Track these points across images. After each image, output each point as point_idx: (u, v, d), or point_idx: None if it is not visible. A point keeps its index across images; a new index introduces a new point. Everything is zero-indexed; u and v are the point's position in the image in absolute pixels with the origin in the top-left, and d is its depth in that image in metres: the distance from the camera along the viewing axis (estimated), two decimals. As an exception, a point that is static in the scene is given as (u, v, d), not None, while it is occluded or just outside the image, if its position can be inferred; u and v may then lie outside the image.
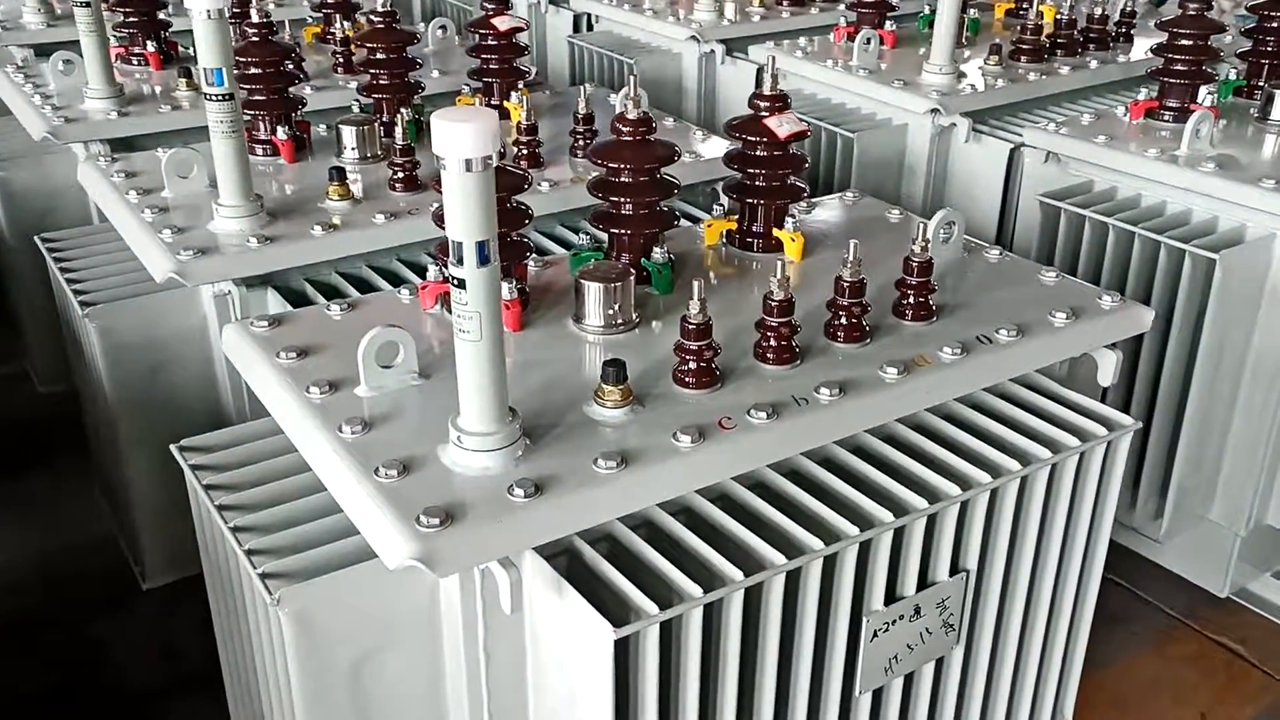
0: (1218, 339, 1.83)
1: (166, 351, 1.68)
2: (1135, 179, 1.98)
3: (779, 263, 1.28)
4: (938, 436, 1.33)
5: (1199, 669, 2.01)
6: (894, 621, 1.25)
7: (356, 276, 1.73)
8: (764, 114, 1.54)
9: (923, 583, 1.28)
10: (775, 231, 1.58)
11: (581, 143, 1.95)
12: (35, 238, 1.91)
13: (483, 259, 1.04)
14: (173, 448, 1.31)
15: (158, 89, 2.38)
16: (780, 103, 1.54)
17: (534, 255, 1.53)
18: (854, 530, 1.17)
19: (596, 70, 3.04)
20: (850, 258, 1.33)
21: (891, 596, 1.25)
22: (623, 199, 1.45)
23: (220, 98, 1.60)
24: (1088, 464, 1.35)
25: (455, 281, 1.05)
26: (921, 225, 1.38)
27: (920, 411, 1.34)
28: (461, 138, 0.98)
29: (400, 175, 1.80)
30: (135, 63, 2.52)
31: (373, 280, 1.72)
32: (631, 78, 1.46)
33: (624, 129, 1.44)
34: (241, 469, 1.28)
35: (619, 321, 1.38)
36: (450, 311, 1.34)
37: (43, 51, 2.61)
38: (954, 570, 1.30)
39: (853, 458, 1.28)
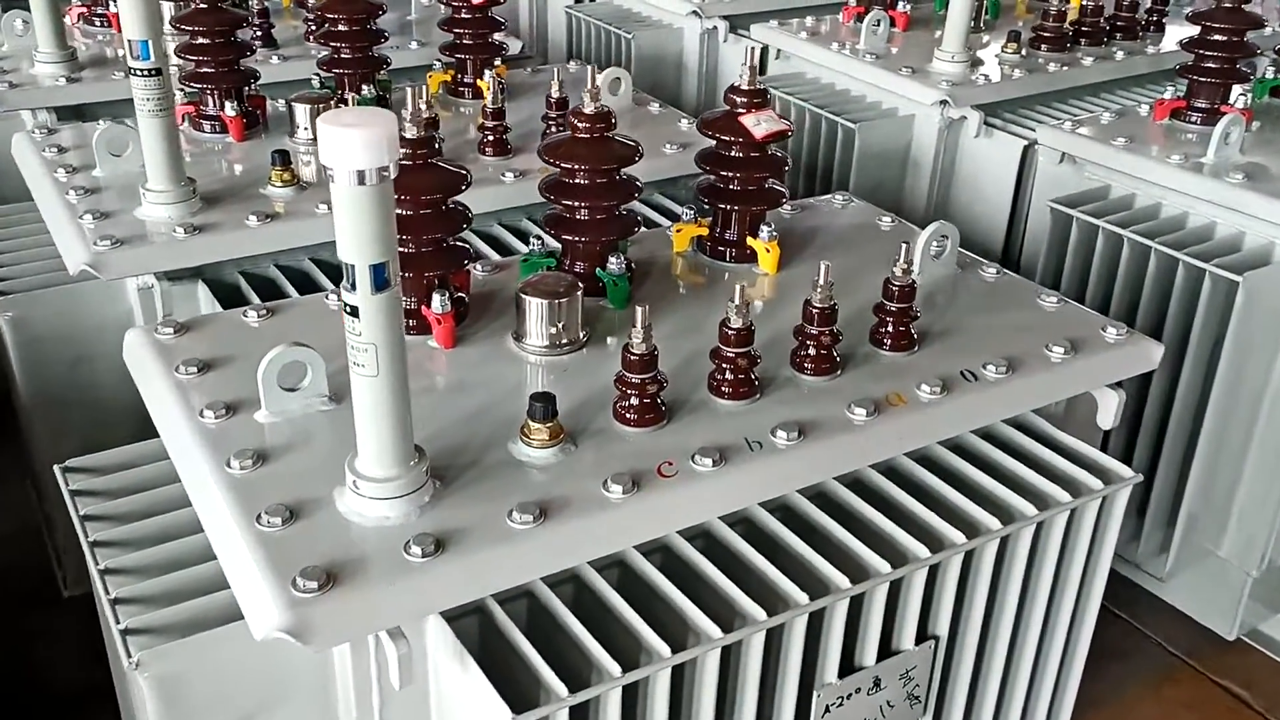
0: (1236, 366, 1.67)
1: (87, 346, 1.55)
2: (1155, 186, 1.81)
3: (737, 286, 1.13)
4: (910, 483, 1.19)
5: (1199, 714, 1.87)
6: (850, 695, 1.12)
7: (298, 270, 1.60)
8: (740, 111, 1.39)
9: (885, 651, 1.14)
10: (749, 240, 1.43)
11: (554, 129, 1.80)
12: (-40, 215, 1.78)
13: (379, 283, 0.91)
14: (56, 469, 1.18)
15: (119, 52, 2.24)
16: (759, 99, 1.39)
17: (478, 263, 1.40)
18: (804, 599, 1.03)
19: (594, 43, 2.88)
20: (821, 280, 1.18)
21: (848, 667, 1.12)
22: (576, 202, 1.31)
23: (146, 73, 1.46)
24: (1079, 521, 1.21)
25: (348, 309, 0.91)
26: (905, 246, 1.23)
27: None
28: (350, 145, 0.84)
29: (350, 160, 1.65)
30: (98, 23, 2.38)
31: (314, 276, 1.59)
32: (591, 67, 1.31)
33: (579, 125, 1.29)
34: (126, 498, 1.15)
35: (563, 341, 1.24)
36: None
37: (11, 6, 2.47)
38: (921, 637, 1.16)
39: (810, 507, 1.14)
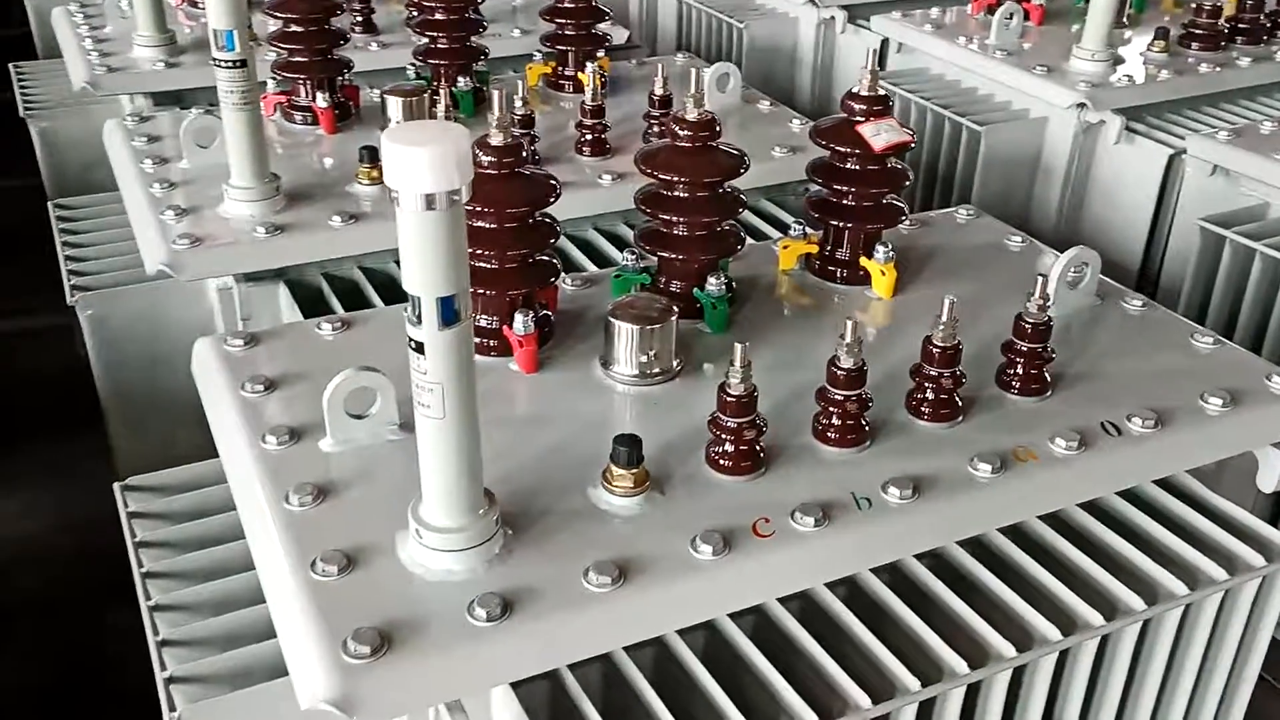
0: None
1: (167, 346, 1.50)
2: (1323, 207, 1.63)
3: (849, 322, 1.01)
4: (1039, 550, 1.05)
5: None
6: (960, 787, 0.99)
7: (384, 273, 1.52)
8: (858, 119, 1.26)
9: (1002, 738, 1.01)
10: (862, 261, 1.30)
11: (655, 129, 1.69)
12: (49, 204, 1.74)
13: (448, 318, 0.81)
14: (116, 487, 1.12)
15: (220, 36, 2.19)
16: (879, 106, 1.26)
17: (568, 276, 1.30)
18: (914, 684, 0.91)
19: (705, 33, 2.76)
20: (944, 317, 1.05)
21: (960, 756, 0.99)
22: (675, 217, 1.20)
23: (231, 64, 1.39)
24: (1233, 601, 1.06)
25: (413, 344, 0.82)
26: (1041, 280, 1.10)
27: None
28: (418, 166, 0.75)
29: (441, 159, 1.57)
30: (203, 6, 2.33)
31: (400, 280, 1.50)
32: (695, 71, 1.19)
33: (680, 132, 1.18)
34: (186, 525, 1.08)
35: (654, 371, 1.13)
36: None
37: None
38: (1045, 725, 1.03)
39: (923, 571, 1.01)
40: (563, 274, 1.28)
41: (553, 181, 1.15)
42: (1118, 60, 2.07)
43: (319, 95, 1.71)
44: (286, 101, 1.75)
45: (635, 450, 0.96)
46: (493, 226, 1.11)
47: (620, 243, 1.61)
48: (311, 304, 1.46)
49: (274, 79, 1.77)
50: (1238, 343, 1.52)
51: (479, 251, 1.11)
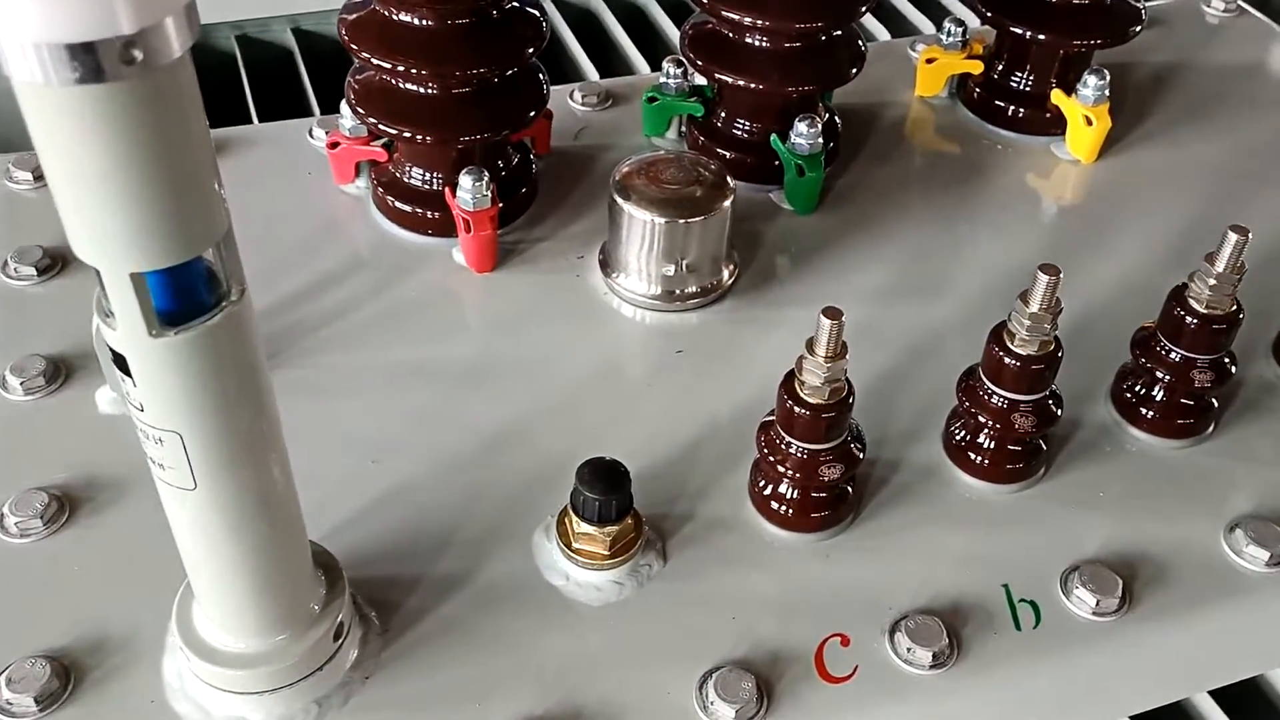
0: None
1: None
2: None
3: (1043, 278, 0.53)
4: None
5: None
6: None
7: (275, 46, 1.04)
8: None
9: None
10: (1055, 97, 0.80)
11: None
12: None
13: (173, 307, 0.36)
14: None
15: None
16: None
17: (575, 87, 0.82)
18: None
19: None
20: (1222, 263, 0.56)
21: None
22: (747, 18, 0.70)
23: None
24: None
25: (115, 356, 0.38)
26: None
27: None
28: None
29: None
30: None
31: (299, 62, 1.02)
32: None
33: None
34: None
35: (687, 290, 0.68)
36: (378, 189, 0.70)
37: None
38: None
39: None
40: (567, 87, 0.80)
41: (534, -57, 0.65)
42: None
43: None
44: None
45: (615, 498, 0.52)
46: (427, 25, 0.63)
47: (683, 13, 1.10)
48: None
49: None
50: None
51: (402, 68, 0.64)
